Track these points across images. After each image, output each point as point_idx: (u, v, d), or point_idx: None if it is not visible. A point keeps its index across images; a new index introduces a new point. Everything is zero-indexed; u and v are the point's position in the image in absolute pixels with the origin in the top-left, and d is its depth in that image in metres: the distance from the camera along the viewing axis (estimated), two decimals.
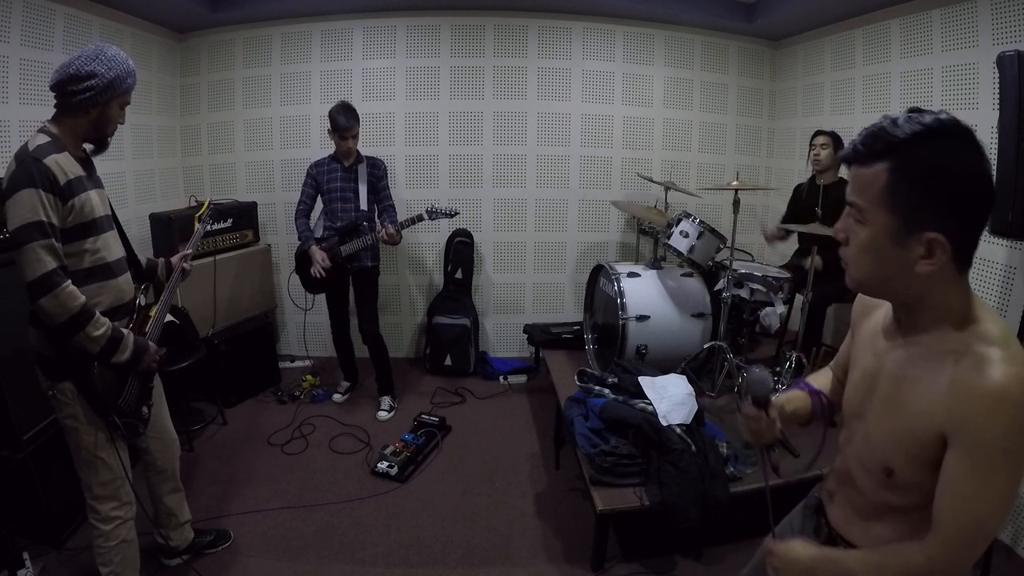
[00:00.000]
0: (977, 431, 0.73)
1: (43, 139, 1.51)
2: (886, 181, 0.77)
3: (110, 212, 1.73)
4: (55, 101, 1.56)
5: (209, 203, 2.29)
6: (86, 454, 1.66)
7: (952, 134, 0.74)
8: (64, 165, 1.51)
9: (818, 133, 3.12)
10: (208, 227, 2.18)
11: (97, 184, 1.68)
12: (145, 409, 1.79)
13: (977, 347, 0.77)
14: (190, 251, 2.05)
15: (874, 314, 0.99)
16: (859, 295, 1.02)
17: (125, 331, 1.66)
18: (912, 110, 0.77)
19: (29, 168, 1.44)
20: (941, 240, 0.75)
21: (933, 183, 0.75)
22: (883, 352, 0.92)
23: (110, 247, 1.68)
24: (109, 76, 1.54)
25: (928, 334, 0.83)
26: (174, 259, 2.00)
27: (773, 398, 1.06)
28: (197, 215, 2.18)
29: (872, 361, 0.94)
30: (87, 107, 1.55)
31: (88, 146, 1.66)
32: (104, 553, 1.73)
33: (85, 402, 1.62)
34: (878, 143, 0.77)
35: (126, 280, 1.75)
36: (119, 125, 1.66)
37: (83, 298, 1.52)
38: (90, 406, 1.62)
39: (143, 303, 1.81)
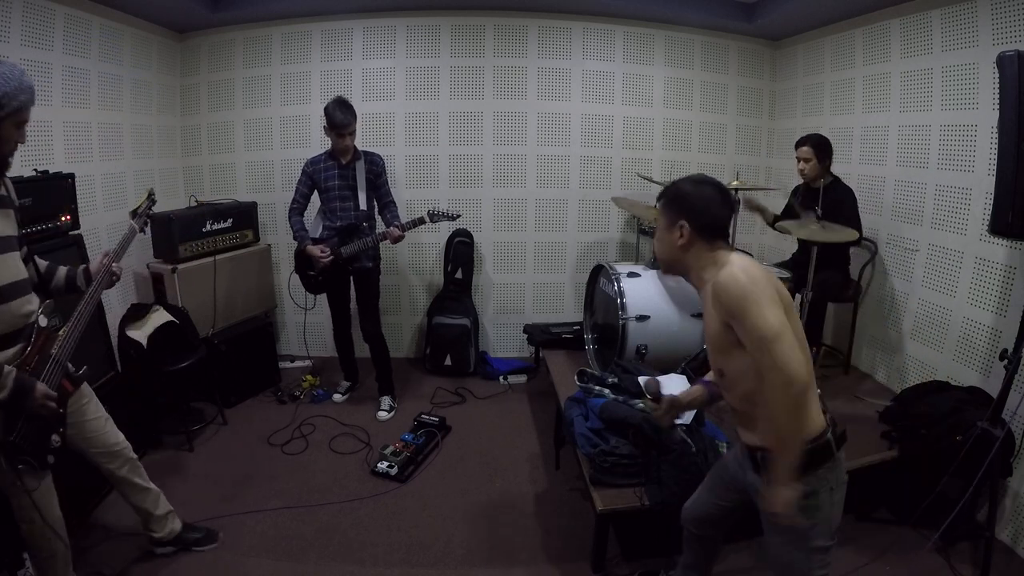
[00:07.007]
0: (731, 306, 1.29)
1: None
2: (662, 206, 1.48)
3: (11, 233, 1.58)
4: None
5: (150, 195, 1.98)
6: None
7: (692, 178, 1.48)
8: None
9: (800, 144, 2.97)
10: (144, 228, 1.95)
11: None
12: (56, 437, 1.60)
13: (719, 270, 1.35)
14: (114, 249, 1.84)
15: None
16: None
17: (7, 367, 1.48)
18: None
19: None
20: (685, 225, 1.40)
21: (676, 199, 1.45)
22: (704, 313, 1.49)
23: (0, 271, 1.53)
24: None
25: (705, 285, 1.43)
26: (94, 266, 1.80)
27: (666, 394, 1.68)
28: (132, 210, 1.92)
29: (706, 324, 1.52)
30: None
31: None
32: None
33: None
34: (661, 197, 1.50)
35: (19, 304, 1.58)
36: (20, 144, 1.52)
37: None
38: None
39: (44, 323, 1.62)
